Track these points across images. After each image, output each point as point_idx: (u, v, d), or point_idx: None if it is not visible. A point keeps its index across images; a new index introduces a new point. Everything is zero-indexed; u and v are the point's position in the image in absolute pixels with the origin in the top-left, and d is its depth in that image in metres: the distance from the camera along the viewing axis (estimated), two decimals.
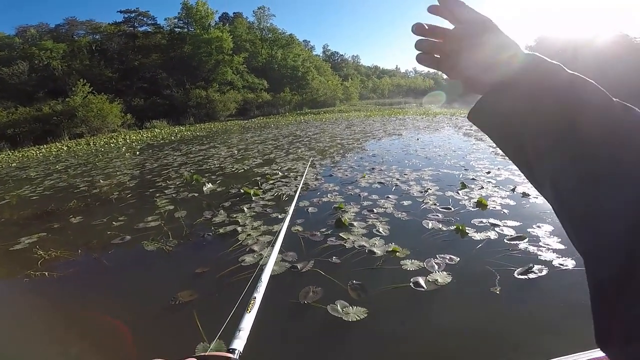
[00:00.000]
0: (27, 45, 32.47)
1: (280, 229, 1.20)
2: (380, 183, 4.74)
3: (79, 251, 3.43)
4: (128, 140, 16.64)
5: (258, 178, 5.69)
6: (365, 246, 2.87)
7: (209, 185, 5.37)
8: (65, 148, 16.00)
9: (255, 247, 3.04)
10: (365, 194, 4.28)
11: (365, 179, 5.00)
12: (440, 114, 17.40)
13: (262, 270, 0.77)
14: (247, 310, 0.63)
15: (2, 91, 27.11)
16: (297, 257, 2.80)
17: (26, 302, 2.74)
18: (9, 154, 16.18)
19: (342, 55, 74.37)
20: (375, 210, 3.66)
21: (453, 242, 2.85)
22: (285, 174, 5.84)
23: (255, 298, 0.66)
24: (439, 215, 3.42)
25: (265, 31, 43.65)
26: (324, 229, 3.28)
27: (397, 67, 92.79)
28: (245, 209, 4.08)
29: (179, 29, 37.84)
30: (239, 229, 3.52)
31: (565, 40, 32.34)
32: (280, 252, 2.90)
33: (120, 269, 3.08)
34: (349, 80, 51.07)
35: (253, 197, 4.54)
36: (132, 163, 9.26)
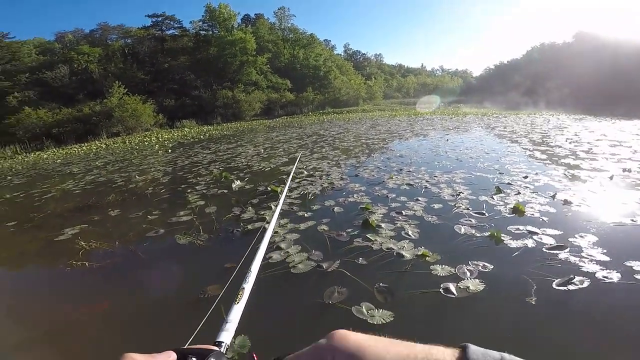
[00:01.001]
0: (66, 50, 34.45)
1: (274, 212, 1.14)
2: (408, 185, 4.65)
3: (117, 243, 3.59)
4: (160, 139, 17.36)
5: (284, 176, 5.76)
6: (393, 249, 2.81)
7: (238, 183, 5.48)
8: (104, 146, 16.97)
9: (282, 245, 3.06)
10: (393, 195, 4.21)
11: (392, 180, 4.91)
12: (470, 114, 16.85)
13: (251, 260, 0.73)
14: (235, 301, 0.59)
15: (47, 94, 29.04)
16: (323, 256, 2.79)
17: (66, 291, 2.89)
18: (54, 152, 17.37)
19: (364, 54, 73.42)
20: (404, 213, 3.58)
21: (487, 249, 2.73)
22: (311, 173, 5.86)
23: (243, 289, 0.63)
24: (472, 220, 3.29)
25: (287, 31, 44.08)
26: (350, 230, 3.25)
27: (422, 66, 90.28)
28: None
29: (204, 32, 38.95)
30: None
31: (605, 37, 30.56)
32: (306, 250, 2.91)
33: (154, 261, 3.20)
34: (372, 79, 50.38)
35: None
36: (164, 160, 9.66)
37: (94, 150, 15.35)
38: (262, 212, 3.97)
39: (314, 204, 4.16)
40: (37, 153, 18.02)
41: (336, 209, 3.91)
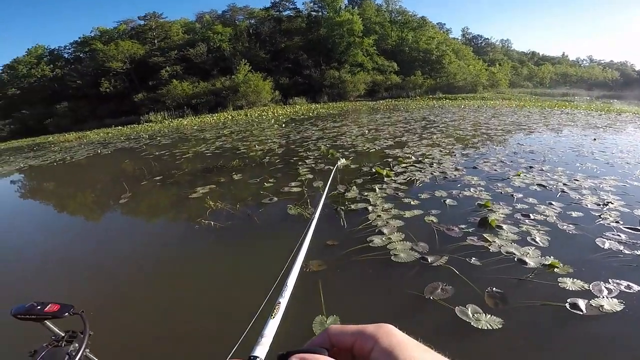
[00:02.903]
0: (204, 29, 39.37)
1: (308, 229, 1.04)
2: (540, 185, 3.99)
3: (237, 206, 4.04)
4: (275, 114, 18.97)
5: (389, 160, 5.62)
6: (514, 254, 2.49)
7: (343, 161, 5.59)
8: (230, 117, 19.51)
9: (385, 230, 2.99)
10: (520, 195, 3.68)
11: (520, 177, 4.29)
12: (628, 112, 13.46)
13: (287, 274, 0.72)
14: (272, 316, 0.59)
15: (189, 69, 34.35)
16: (429, 249, 2.65)
17: (194, 247, 3.28)
18: (192, 119, 20.85)
19: (487, 39, 64.61)
20: (532, 216, 3.11)
21: (636, 269, 2.26)
22: (419, 159, 5.58)
23: (279, 303, 0.62)
24: (621, 235, 2.69)
25: (395, 13, 42.74)
26: (463, 226, 2.99)
27: (564, 54, 74.42)
28: (377, 189, 4.08)
29: (315, 13, 40.47)
30: (370, 208, 3.54)
31: None
32: (410, 239, 2.80)
33: (267, 227, 3.46)
34: (496, 66, 44.43)
35: (385, 178, 4.51)
36: (279, 133, 10.56)
37: (222, 120, 17.79)
38: (366, 194, 3.97)
39: (422, 192, 3.95)
40: (179, 120, 21.88)
41: (448, 201, 3.64)
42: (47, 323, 0.62)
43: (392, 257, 2.57)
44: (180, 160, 7.54)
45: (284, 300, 0.62)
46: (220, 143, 9.30)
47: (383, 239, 2.86)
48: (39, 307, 0.61)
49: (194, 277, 2.74)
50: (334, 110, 19.42)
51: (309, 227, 1.08)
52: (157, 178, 5.95)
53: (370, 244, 2.79)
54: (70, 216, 5.19)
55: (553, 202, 3.43)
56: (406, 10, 42.87)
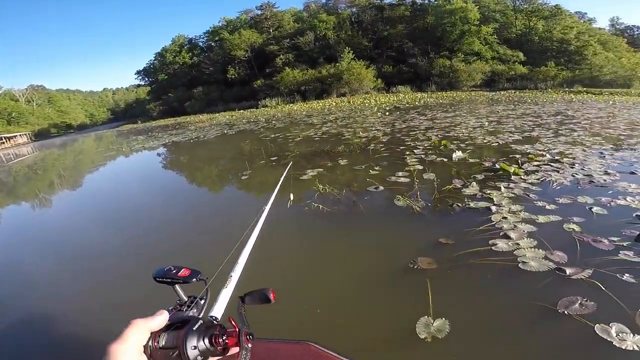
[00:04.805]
0: (311, 18, 40.31)
1: (263, 211, 1.00)
2: None
3: (344, 191, 4.08)
4: (378, 102, 18.73)
5: (517, 156, 4.93)
6: None
7: (459, 153, 5.15)
8: (334, 104, 20.14)
9: (512, 234, 2.65)
10: None
11: None
12: None
13: (241, 249, 0.76)
14: (224, 286, 0.66)
15: (299, 57, 36.23)
16: (567, 259, 2.27)
17: (305, 229, 3.40)
18: (301, 105, 22.26)
19: None
20: None
21: None
22: (556, 157, 4.74)
23: (231, 276, 0.69)
24: None
25: (519, 1, 38.24)
26: (615, 238, 2.45)
27: None
28: (502, 188, 3.63)
29: (420, 1, 38.24)
30: (493, 208, 3.17)
31: None
32: (544, 247, 2.44)
33: (373, 217, 3.39)
34: None
35: (512, 177, 3.99)
36: (383, 121, 10.38)
37: (327, 107, 18.48)
38: (489, 192, 3.56)
39: (560, 196, 3.36)
40: (290, 105, 23.56)
41: (595, 209, 3.01)
42: (177, 287, 0.64)
43: (519, 265, 2.27)
44: (292, 143, 8.09)
45: (235, 274, 0.69)
46: (326, 128, 9.63)
47: (509, 243, 2.55)
48: (174, 271, 0.63)
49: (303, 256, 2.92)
50: (444, 99, 18.16)
51: (266, 206, 1.06)
52: (273, 158, 6.52)
53: (492, 248, 2.50)
54: (198, 187, 6.16)
55: None
56: None
